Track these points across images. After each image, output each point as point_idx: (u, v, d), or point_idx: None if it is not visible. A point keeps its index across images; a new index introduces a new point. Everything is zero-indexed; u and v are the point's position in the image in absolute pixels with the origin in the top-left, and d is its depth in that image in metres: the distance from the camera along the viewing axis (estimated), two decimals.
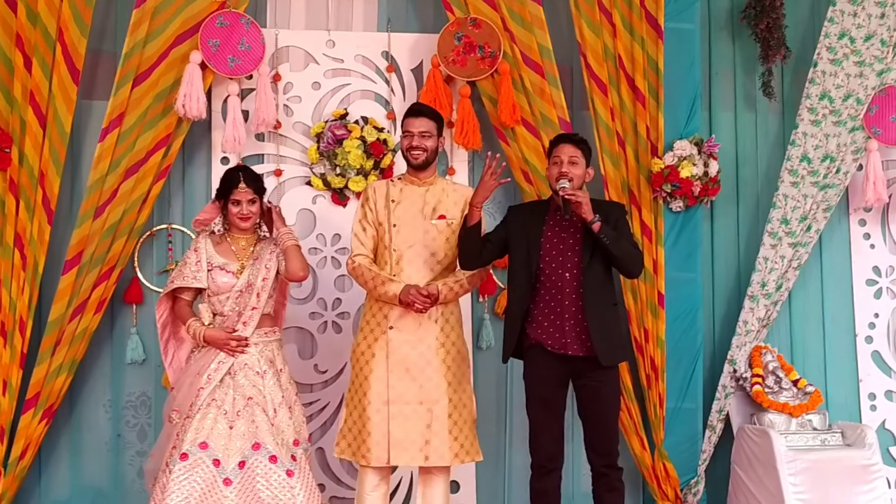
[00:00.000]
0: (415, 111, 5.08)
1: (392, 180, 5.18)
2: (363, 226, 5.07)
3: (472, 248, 4.88)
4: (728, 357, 6.28)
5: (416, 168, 5.05)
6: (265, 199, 5.16)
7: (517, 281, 4.94)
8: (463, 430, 5.00)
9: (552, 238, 4.91)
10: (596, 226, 4.74)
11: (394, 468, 5.75)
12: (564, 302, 4.84)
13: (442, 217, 5.03)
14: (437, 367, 4.96)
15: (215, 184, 5.46)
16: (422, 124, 5.00)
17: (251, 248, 5.08)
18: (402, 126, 5.11)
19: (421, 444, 4.90)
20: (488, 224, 5.41)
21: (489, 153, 4.83)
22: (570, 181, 4.81)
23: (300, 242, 5.13)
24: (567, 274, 4.85)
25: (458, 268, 5.07)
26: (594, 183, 6.07)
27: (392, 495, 5.92)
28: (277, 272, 5.07)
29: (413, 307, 4.86)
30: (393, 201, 5.04)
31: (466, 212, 4.88)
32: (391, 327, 4.95)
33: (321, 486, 5.51)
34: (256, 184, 5.05)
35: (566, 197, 4.75)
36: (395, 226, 5.00)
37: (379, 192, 5.09)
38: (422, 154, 5.00)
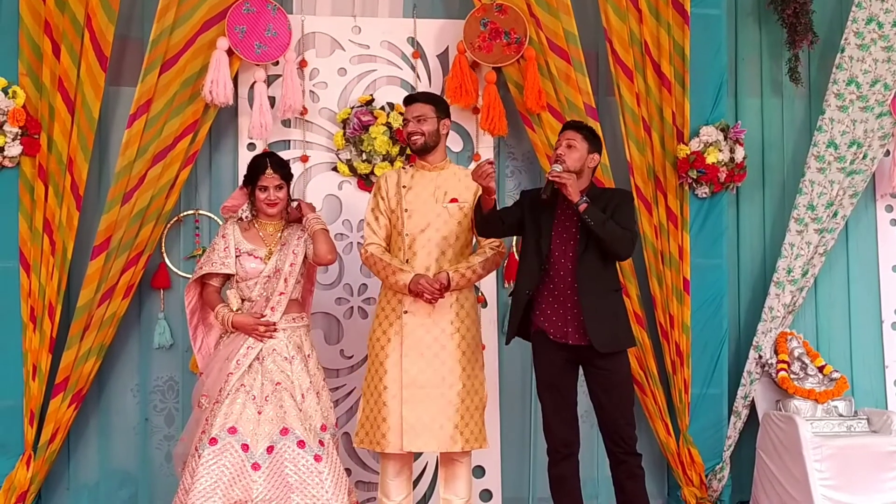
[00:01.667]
0: (409, 99, 5.15)
1: (404, 168, 5.23)
2: (375, 215, 5.10)
3: (486, 223, 4.88)
4: (753, 343, 6.28)
5: (418, 152, 5.08)
6: (290, 191, 5.18)
7: (527, 266, 4.92)
8: (473, 417, 5.02)
9: (558, 226, 4.88)
10: (582, 207, 4.70)
11: (417, 454, 5.80)
12: (567, 291, 4.82)
13: (454, 200, 5.05)
14: (452, 352, 4.98)
15: (242, 170, 5.48)
16: (415, 109, 5.04)
17: (279, 234, 5.11)
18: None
19: (434, 430, 4.92)
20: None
21: (486, 161, 4.80)
22: (563, 164, 4.79)
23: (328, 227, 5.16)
24: (568, 263, 4.83)
25: (472, 253, 5.09)
26: (619, 169, 6.11)
27: (417, 481, 5.96)
28: (305, 257, 5.10)
29: (422, 297, 4.88)
30: (404, 187, 5.06)
31: (479, 195, 4.86)
32: (406, 311, 4.97)
33: (348, 471, 5.53)
34: (283, 170, 5.08)
35: (549, 178, 4.74)
36: (406, 211, 5.03)
37: (390, 181, 5.12)
38: (420, 138, 5.03)
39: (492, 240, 5.07)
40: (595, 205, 4.75)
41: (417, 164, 5.13)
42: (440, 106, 5.09)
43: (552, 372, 4.90)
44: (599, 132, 5.69)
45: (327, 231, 5.12)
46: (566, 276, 4.82)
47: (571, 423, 4.94)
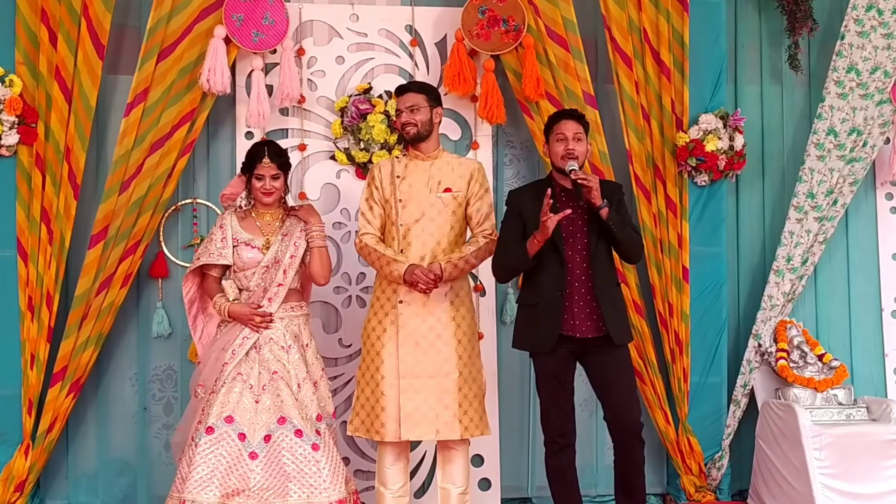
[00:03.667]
0: (401, 89, 5.12)
1: (397, 157, 5.21)
2: (370, 205, 5.08)
3: (527, 267, 4.83)
4: (753, 331, 6.27)
5: (412, 142, 5.07)
6: (289, 180, 5.15)
7: (549, 268, 4.81)
8: (473, 404, 5.02)
9: (563, 221, 4.77)
10: (604, 212, 4.67)
11: (415, 443, 5.80)
12: (574, 284, 4.80)
13: (448, 190, 5.03)
14: (448, 341, 4.97)
15: (240, 158, 5.48)
16: (408, 99, 5.03)
17: (277, 223, 5.10)
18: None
19: (432, 418, 4.92)
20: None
21: (546, 193, 4.66)
22: (575, 159, 4.75)
23: (326, 233, 5.18)
24: (577, 256, 4.80)
25: (466, 242, 5.06)
26: (618, 157, 6.10)
27: (416, 470, 5.96)
28: (306, 250, 5.09)
29: (417, 287, 4.86)
30: (398, 177, 5.05)
31: (529, 240, 4.74)
32: (401, 301, 4.97)
33: (346, 460, 5.54)
34: (281, 159, 5.06)
35: (579, 181, 4.64)
36: (400, 201, 5.02)
37: (384, 170, 5.10)
38: (413, 128, 5.02)
39: (484, 228, 5.04)
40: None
41: (411, 154, 5.12)
42: (432, 95, 5.08)
43: (555, 364, 4.87)
44: (598, 119, 5.72)
45: (326, 249, 5.12)
46: (574, 269, 4.79)
47: (570, 415, 4.93)
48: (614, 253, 4.92)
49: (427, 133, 5.05)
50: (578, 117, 4.92)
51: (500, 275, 5.05)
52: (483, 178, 5.12)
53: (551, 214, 4.61)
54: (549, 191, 4.65)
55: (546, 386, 4.92)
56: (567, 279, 4.80)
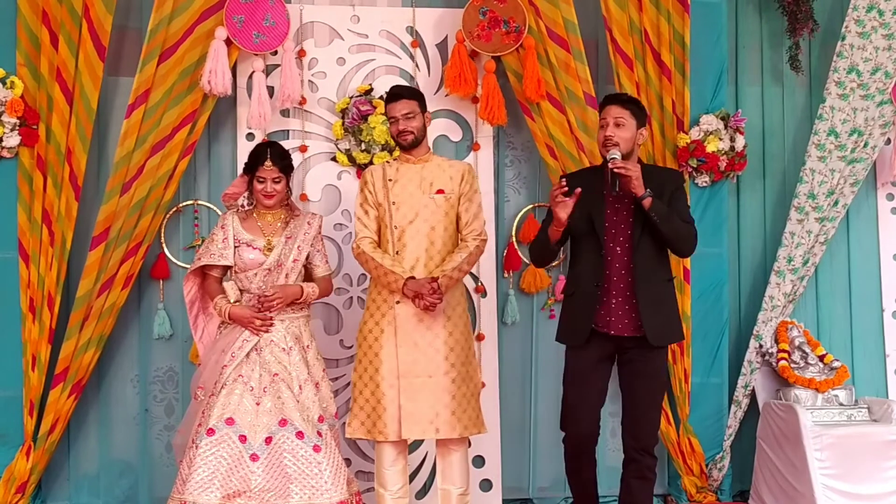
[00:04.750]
0: (393, 95, 5.11)
1: (388, 162, 5.25)
2: (365, 209, 5.10)
3: (551, 254, 4.80)
4: (754, 332, 6.27)
5: (407, 149, 5.09)
6: (290, 181, 5.15)
7: (587, 258, 4.67)
8: (470, 403, 5.04)
9: (608, 209, 4.65)
10: (646, 201, 4.49)
11: (416, 445, 5.80)
12: (613, 278, 4.63)
13: (440, 192, 5.05)
14: (445, 340, 4.99)
15: (241, 159, 5.48)
16: (403, 107, 5.03)
17: (279, 224, 5.09)
18: (386, 114, 5.16)
19: (431, 417, 4.94)
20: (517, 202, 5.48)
21: (561, 179, 4.61)
22: (616, 146, 4.56)
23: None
24: (618, 248, 4.63)
25: (457, 250, 5.03)
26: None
27: (416, 472, 5.96)
28: (310, 254, 5.10)
29: (421, 303, 4.86)
30: (391, 180, 5.07)
31: (551, 227, 4.65)
32: (398, 302, 4.98)
33: (347, 461, 5.54)
34: (283, 161, 5.05)
35: (615, 170, 4.50)
36: (394, 203, 5.04)
37: (376, 175, 5.12)
38: (410, 135, 5.05)
39: (473, 228, 5.05)
40: (649, 188, 4.50)
41: (402, 158, 5.15)
42: (422, 100, 5.12)
43: (585, 361, 4.71)
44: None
45: (326, 288, 5.18)
46: (614, 262, 4.63)
47: (595, 417, 4.75)
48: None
49: (421, 138, 5.09)
50: (623, 101, 4.71)
51: (533, 259, 4.99)
52: (473, 179, 5.14)
53: (564, 199, 4.47)
54: (562, 179, 4.54)
55: (571, 382, 4.74)
56: (605, 272, 4.63)
